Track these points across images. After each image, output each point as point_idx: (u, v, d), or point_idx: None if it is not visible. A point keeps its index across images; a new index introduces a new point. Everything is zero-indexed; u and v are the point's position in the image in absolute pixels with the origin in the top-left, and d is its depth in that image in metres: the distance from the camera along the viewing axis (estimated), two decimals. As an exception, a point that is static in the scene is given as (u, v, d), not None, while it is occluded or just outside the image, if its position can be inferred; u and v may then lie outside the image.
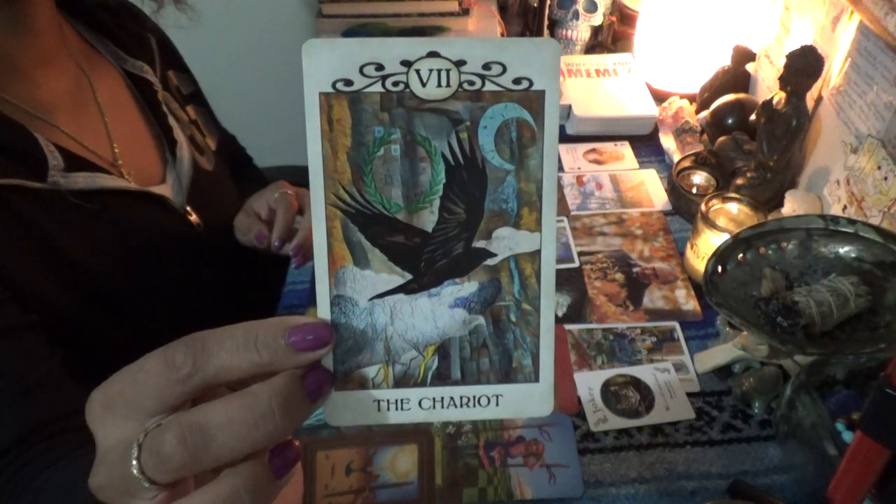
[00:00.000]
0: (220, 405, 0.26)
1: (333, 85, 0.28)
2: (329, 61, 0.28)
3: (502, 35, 1.22)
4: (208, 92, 0.93)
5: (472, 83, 0.28)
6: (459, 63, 0.28)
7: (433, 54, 0.28)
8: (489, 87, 0.29)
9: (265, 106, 1.61)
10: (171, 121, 0.79)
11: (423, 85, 0.28)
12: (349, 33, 1.18)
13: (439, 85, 0.28)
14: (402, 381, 0.31)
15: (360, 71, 0.28)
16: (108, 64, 0.77)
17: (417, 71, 0.28)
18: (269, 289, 0.86)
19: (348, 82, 0.28)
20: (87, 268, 0.64)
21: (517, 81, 0.29)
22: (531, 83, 0.29)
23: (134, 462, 0.26)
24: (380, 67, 0.28)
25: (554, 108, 0.29)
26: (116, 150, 0.72)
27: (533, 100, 0.29)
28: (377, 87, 0.28)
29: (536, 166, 0.30)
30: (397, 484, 0.62)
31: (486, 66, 0.28)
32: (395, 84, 0.28)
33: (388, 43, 0.28)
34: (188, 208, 0.77)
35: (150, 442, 0.26)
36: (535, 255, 0.31)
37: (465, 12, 1.19)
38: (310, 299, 0.81)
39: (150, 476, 0.26)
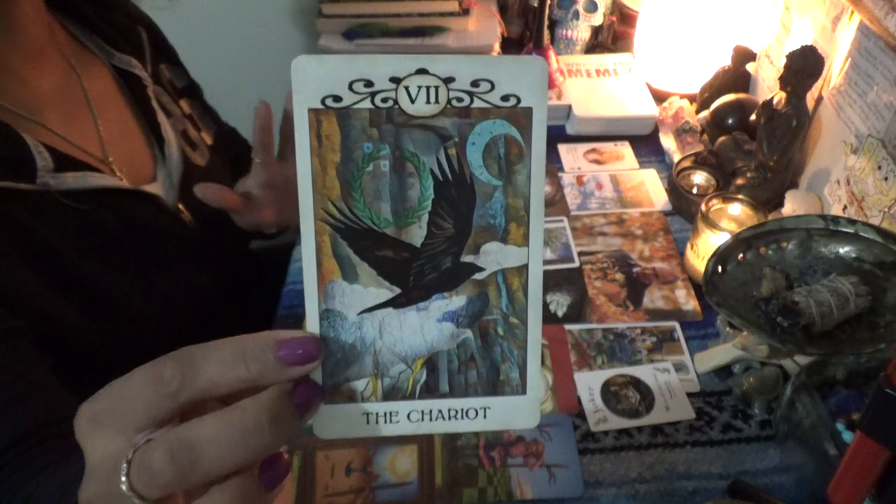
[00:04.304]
0: (208, 421, 0.26)
1: (323, 101, 0.28)
2: (318, 78, 0.28)
3: (503, 36, 1.21)
4: (207, 90, 0.93)
5: (460, 100, 0.29)
6: (448, 80, 0.28)
7: (422, 71, 0.28)
8: (477, 103, 0.29)
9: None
10: (161, 117, 0.78)
11: (412, 101, 0.28)
12: (349, 33, 1.17)
13: (428, 102, 0.29)
14: (390, 395, 0.31)
15: (350, 87, 0.28)
16: (97, 59, 0.76)
17: (406, 88, 0.28)
18: (269, 289, 0.86)
19: (337, 98, 0.28)
20: (78, 269, 0.63)
21: (505, 98, 0.29)
22: (519, 100, 0.29)
23: (123, 478, 0.26)
24: (369, 84, 0.28)
25: (541, 125, 0.29)
26: (107, 148, 0.71)
27: (521, 116, 0.29)
28: (366, 104, 0.28)
29: (524, 182, 0.30)
30: (397, 484, 0.62)
31: (475, 84, 0.29)
32: (384, 100, 0.28)
33: (376, 60, 0.28)
34: (180, 206, 0.76)
35: (139, 458, 0.26)
36: (523, 270, 0.31)
37: (465, 12, 1.18)
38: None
39: (140, 492, 0.26)
